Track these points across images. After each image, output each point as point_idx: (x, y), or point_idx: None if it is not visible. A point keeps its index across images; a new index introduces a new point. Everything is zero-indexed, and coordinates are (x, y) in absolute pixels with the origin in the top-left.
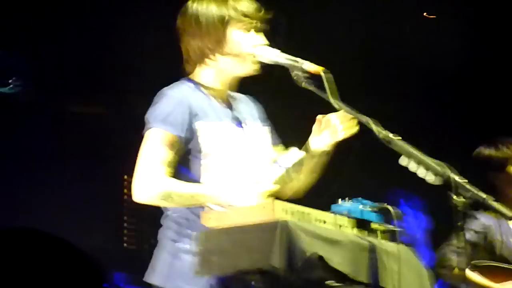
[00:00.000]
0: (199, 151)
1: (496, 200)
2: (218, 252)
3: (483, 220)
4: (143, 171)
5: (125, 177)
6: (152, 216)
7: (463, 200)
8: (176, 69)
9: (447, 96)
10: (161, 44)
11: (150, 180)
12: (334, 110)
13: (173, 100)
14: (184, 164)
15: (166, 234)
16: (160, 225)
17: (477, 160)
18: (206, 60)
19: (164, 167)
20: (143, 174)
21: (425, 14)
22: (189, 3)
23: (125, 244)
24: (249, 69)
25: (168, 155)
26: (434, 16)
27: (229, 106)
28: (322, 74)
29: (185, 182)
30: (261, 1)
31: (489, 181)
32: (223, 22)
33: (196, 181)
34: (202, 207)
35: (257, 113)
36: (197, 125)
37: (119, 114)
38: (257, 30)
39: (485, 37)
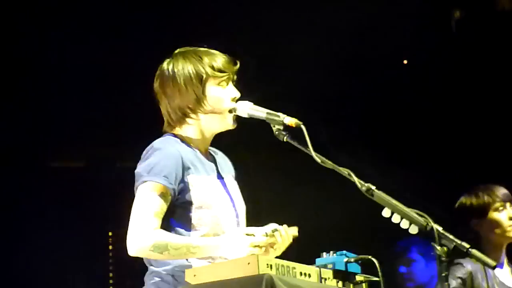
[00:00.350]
0: (191, 204)
1: (480, 247)
2: None
3: (469, 267)
4: (138, 224)
5: (110, 233)
6: (139, 272)
7: (446, 250)
8: (159, 123)
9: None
10: (144, 98)
11: (145, 233)
12: (314, 162)
13: (165, 153)
14: (174, 216)
15: None
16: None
17: (459, 209)
18: (187, 119)
19: (158, 219)
20: (138, 226)
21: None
22: (164, 65)
23: None
24: (228, 124)
25: (162, 208)
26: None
27: (212, 160)
28: (303, 127)
29: (180, 235)
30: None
31: (472, 229)
32: (201, 80)
33: (185, 234)
34: (190, 264)
35: (231, 168)
36: (189, 178)
37: (101, 169)
38: (232, 82)
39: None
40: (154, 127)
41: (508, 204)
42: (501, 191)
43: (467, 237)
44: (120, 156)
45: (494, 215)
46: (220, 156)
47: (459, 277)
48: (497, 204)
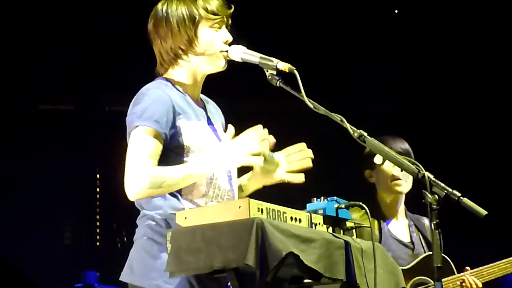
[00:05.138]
0: (182, 149)
1: (376, 199)
2: (192, 251)
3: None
4: (134, 167)
5: (98, 175)
6: (125, 215)
7: (437, 198)
8: (150, 67)
9: None
10: (135, 41)
11: (140, 173)
12: (306, 107)
13: (156, 98)
14: (167, 161)
15: (145, 233)
16: (136, 224)
17: (361, 159)
18: (179, 61)
19: (154, 160)
20: (134, 169)
21: None
22: (159, 6)
23: (98, 243)
24: (219, 66)
25: (156, 150)
26: None
27: (202, 106)
28: (296, 72)
29: (173, 167)
30: None
31: (366, 180)
32: (194, 22)
33: None
34: (182, 207)
35: (221, 117)
36: (180, 123)
37: (90, 112)
38: (226, 26)
39: None
40: (144, 71)
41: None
42: (397, 143)
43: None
44: (109, 99)
45: (383, 167)
46: (211, 104)
47: None
48: None
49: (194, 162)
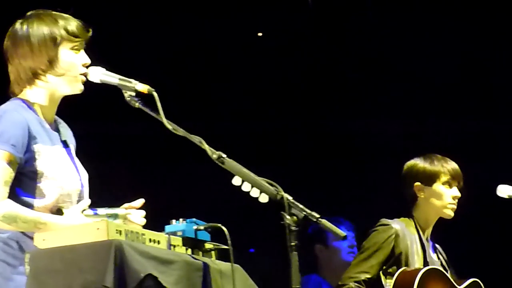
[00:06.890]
0: (36, 174)
1: (412, 213)
2: (51, 273)
3: (398, 227)
4: None
5: None
6: None
7: (296, 219)
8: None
9: None
10: None
11: None
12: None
13: (13, 121)
14: (19, 185)
15: None
16: None
17: (409, 170)
18: (37, 81)
19: (7, 188)
20: None
21: None
22: (17, 25)
23: None
24: (78, 88)
25: (11, 176)
26: None
27: (56, 129)
28: (155, 94)
29: (29, 209)
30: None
31: (413, 193)
32: (55, 43)
33: (30, 202)
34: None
35: (73, 139)
36: (36, 147)
37: None
38: (84, 49)
39: None
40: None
41: (455, 183)
42: (456, 167)
43: (406, 200)
44: None
45: (440, 187)
46: (63, 126)
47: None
48: (447, 178)
49: (48, 215)
